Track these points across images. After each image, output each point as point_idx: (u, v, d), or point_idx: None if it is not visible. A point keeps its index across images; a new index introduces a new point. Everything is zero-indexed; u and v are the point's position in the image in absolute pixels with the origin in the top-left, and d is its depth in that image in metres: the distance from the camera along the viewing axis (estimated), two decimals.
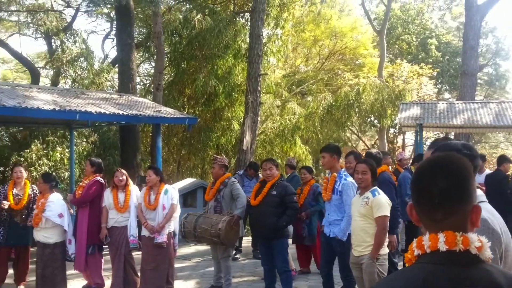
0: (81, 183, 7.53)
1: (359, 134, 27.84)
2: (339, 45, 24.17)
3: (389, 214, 4.92)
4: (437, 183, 1.44)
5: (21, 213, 7.27)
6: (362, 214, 4.99)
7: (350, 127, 23.77)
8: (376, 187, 5.04)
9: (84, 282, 7.55)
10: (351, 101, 18.34)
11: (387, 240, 5.05)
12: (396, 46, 28.88)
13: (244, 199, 6.99)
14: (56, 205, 7.08)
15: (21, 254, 7.46)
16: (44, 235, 7.04)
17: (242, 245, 9.94)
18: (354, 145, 30.11)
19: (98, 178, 7.34)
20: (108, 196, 7.27)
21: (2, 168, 14.63)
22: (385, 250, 5.01)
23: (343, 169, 6.06)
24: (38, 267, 7.05)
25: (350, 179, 5.86)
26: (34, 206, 7.17)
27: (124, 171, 7.41)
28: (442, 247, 1.41)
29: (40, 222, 6.99)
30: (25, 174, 7.62)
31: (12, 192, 7.34)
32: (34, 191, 7.58)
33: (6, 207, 7.15)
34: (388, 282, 1.55)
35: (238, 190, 7.08)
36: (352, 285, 5.96)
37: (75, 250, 7.36)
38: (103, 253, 7.49)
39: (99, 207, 7.25)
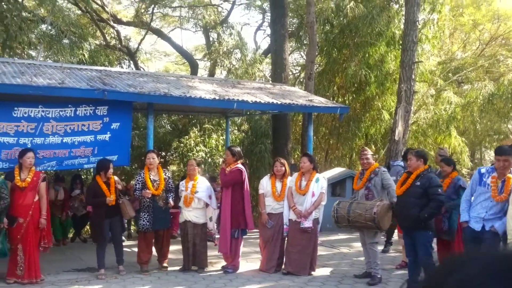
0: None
1: None
2: (502, 28, 22.23)
3: None
4: None
5: (161, 197, 7.60)
6: None
7: None
8: None
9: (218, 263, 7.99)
10: None
11: None
12: None
13: (395, 188, 6.96)
14: (205, 186, 7.62)
15: (165, 236, 7.75)
16: (195, 215, 7.55)
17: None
18: None
19: (239, 165, 7.54)
20: (266, 184, 7.58)
21: (163, 153, 15.89)
22: None
23: None
24: (187, 245, 7.54)
25: None
26: (183, 187, 7.63)
27: (283, 161, 7.67)
28: None
29: (192, 202, 7.52)
30: (157, 160, 7.82)
31: (150, 178, 7.57)
32: (167, 174, 7.90)
33: (150, 196, 7.48)
34: None
35: (389, 180, 7.11)
36: None
37: (218, 233, 7.80)
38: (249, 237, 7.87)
39: (241, 193, 7.50)
